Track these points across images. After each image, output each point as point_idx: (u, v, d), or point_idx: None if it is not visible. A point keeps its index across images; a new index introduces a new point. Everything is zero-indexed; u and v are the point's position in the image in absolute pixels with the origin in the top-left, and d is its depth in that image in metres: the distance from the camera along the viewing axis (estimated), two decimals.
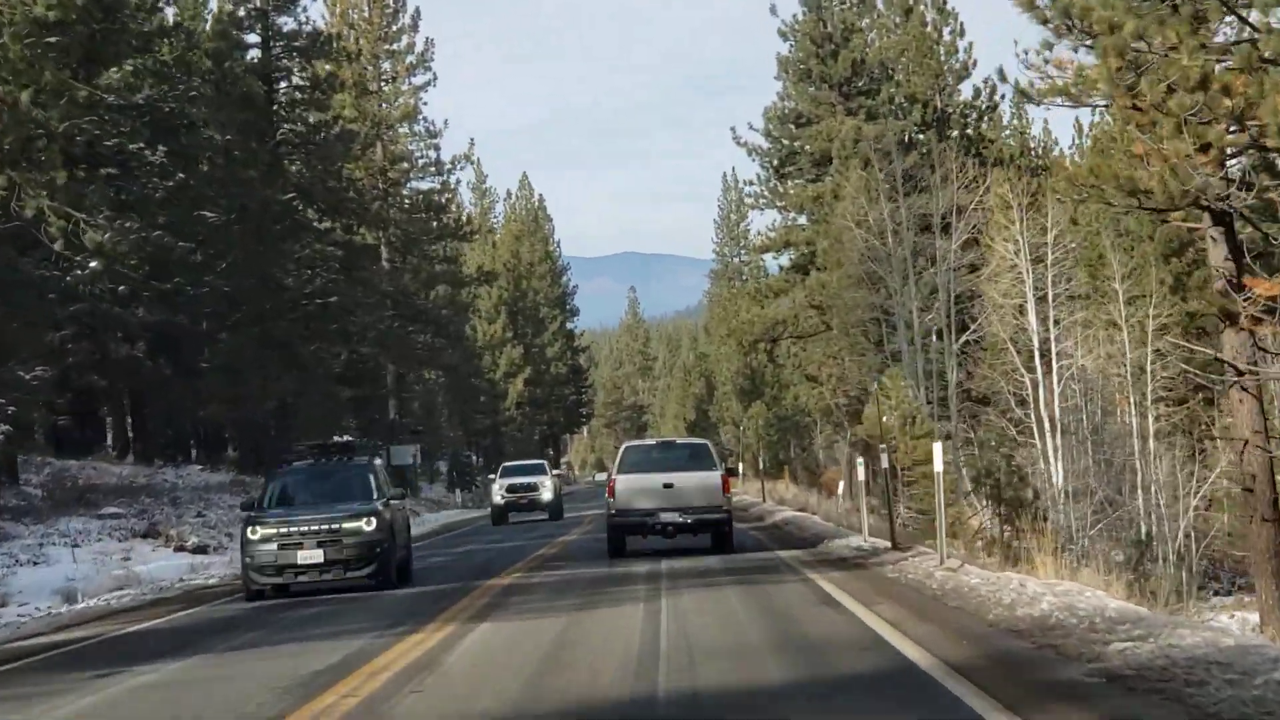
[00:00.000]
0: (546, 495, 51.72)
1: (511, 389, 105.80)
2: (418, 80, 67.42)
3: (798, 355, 67.08)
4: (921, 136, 57.81)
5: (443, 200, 67.67)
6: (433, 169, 67.48)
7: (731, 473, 31.53)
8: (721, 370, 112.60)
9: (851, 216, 49.11)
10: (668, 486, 27.99)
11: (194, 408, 50.23)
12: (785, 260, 60.47)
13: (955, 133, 59.22)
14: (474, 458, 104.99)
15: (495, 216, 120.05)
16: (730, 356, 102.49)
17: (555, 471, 59.16)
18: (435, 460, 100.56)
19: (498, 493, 51.74)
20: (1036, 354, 47.33)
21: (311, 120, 53.58)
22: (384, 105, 65.10)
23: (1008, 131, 63.28)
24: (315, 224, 54.31)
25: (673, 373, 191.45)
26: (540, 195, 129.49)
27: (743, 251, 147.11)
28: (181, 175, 44.18)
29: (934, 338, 50.41)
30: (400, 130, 66.76)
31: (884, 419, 34.67)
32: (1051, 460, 47.60)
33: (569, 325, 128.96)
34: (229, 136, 44.36)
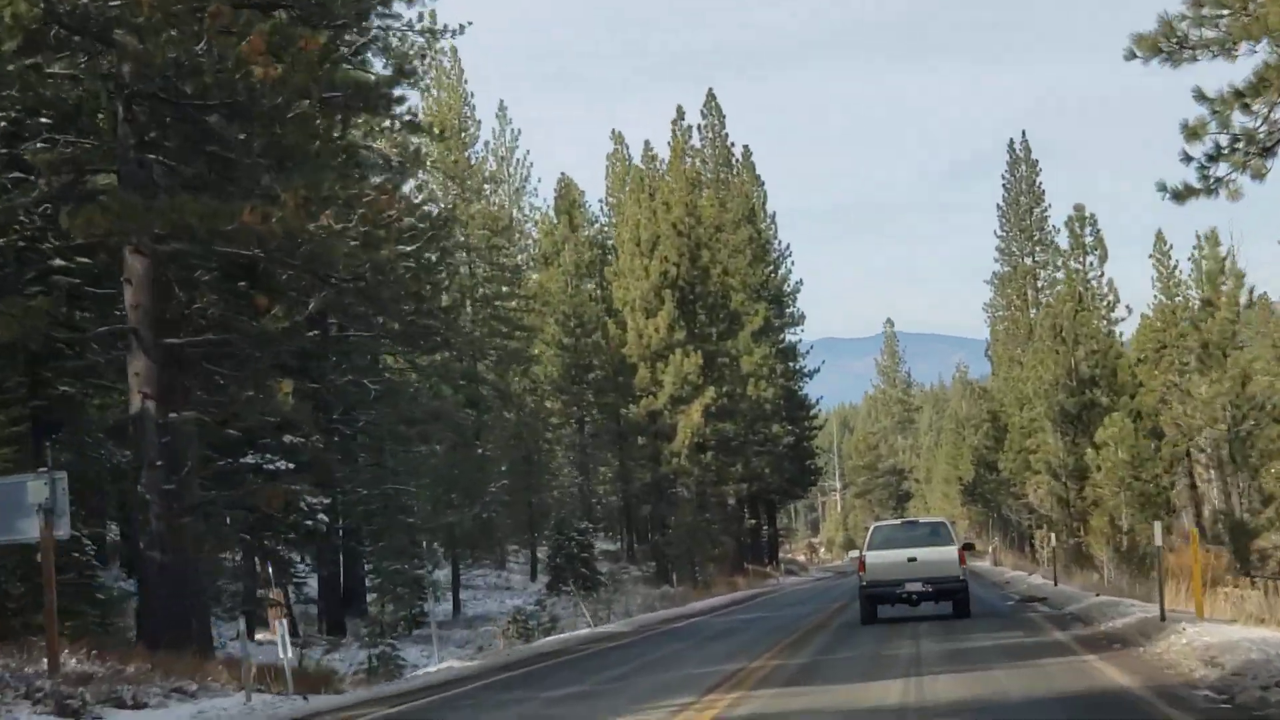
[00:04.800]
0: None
1: (683, 422, 64.66)
2: None
3: None
4: None
5: None
6: None
7: (968, 548, 36.89)
8: (1025, 390, 70.13)
9: None
10: (911, 560, 31.38)
11: None
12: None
13: None
14: (622, 536, 64.47)
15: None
16: (1044, 358, 60.44)
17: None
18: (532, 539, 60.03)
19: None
20: None
21: None
22: None
23: None
24: None
25: (940, 434, 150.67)
26: (746, 147, 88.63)
27: (1037, 250, 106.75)
28: None
29: None
30: None
31: None
32: None
33: (786, 335, 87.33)
34: None
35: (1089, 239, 63.40)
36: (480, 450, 55.88)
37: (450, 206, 49.29)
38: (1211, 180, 20.82)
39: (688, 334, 66.32)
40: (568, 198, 78.89)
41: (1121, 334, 64.51)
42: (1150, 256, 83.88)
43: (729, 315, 70.96)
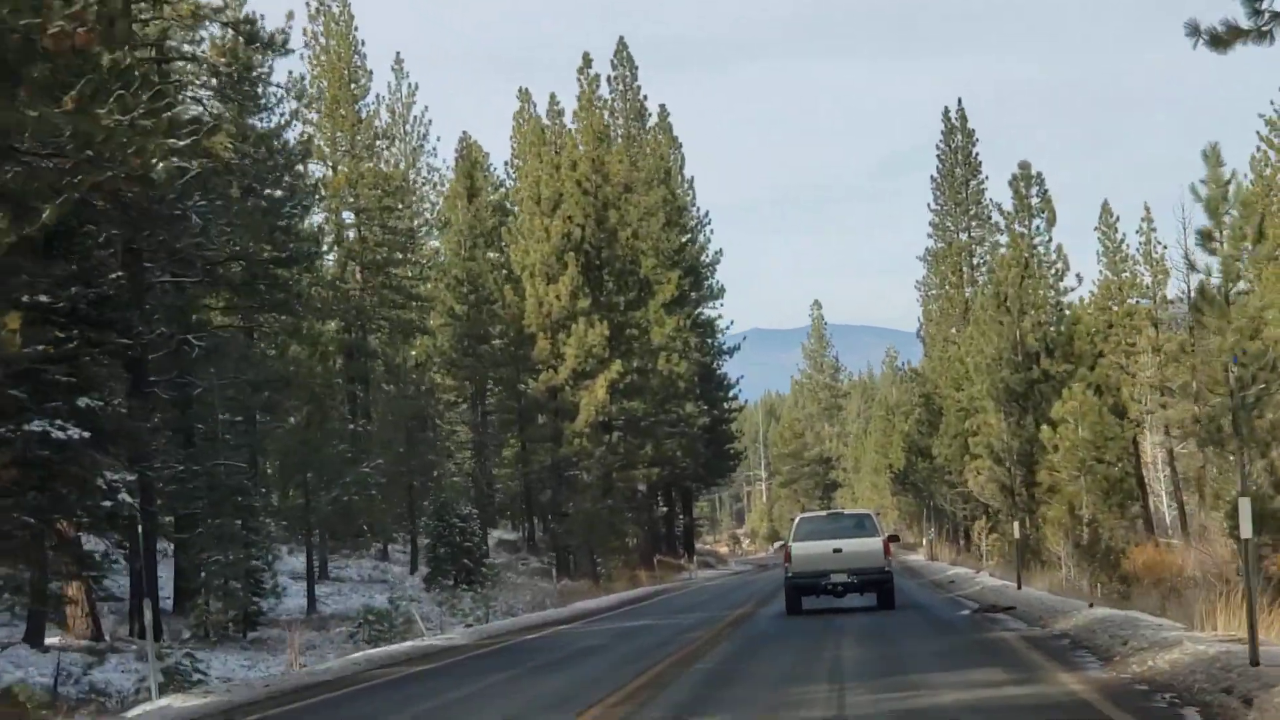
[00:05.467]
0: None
1: (586, 399, 58.24)
2: None
3: None
4: None
5: None
6: None
7: (894, 539, 34.83)
8: (963, 368, 64.14)
9: None
10: (837, 551, 32.25)
11: None
12: None
13: None
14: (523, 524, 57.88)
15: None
16: (985, 331, 54.41)
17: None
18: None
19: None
20: None
21: None
22: None
23: None
24: None
25: (869, 422, 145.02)
26: (663, 106, 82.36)
27: (974, 224, 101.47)
28: None
29: None
30: None
31: None
32: None
33: (704, 309, 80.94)
34: None
35: (1035, 200, 57.32)
36: (353, 426, 49.28)
37: (306, 139, 42.61)
38: (1266, 16, 14.57)
39: (593, 302, 59.91)
40: (469, 158, 72.50)
41: (1071, 305, 58.57)
42: (1095, 229, 78.19)
43: (638, 282, 64.39)
